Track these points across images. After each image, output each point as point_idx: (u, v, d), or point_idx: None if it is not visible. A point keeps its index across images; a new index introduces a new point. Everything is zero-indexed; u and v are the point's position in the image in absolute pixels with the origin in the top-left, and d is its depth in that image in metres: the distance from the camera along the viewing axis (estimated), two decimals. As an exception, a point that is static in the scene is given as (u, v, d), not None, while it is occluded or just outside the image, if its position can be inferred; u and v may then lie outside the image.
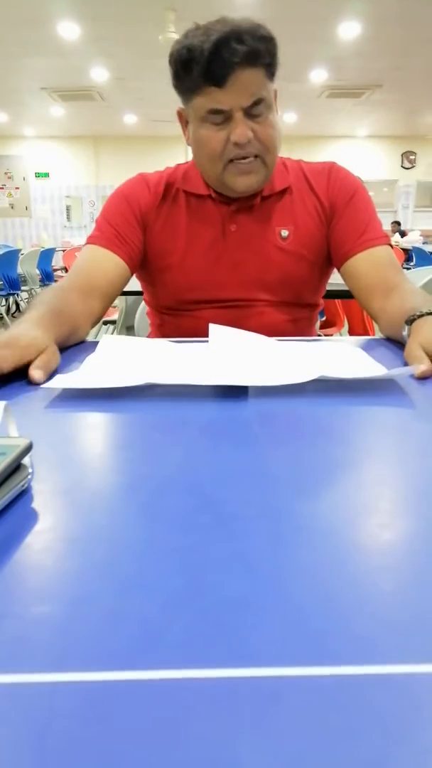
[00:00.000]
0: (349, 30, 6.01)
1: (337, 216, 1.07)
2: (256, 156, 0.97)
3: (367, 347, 0.85)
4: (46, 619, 0.26)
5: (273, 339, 0.84)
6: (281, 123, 1.01)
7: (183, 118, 1.03)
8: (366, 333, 2.65)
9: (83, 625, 0.26)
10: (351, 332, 2.93)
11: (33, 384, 0.64)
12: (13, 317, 6.46)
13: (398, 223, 9.55)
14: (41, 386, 0.62)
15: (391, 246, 1.09)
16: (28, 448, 0.39)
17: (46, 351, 0.70)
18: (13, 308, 6.85)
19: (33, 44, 6.32)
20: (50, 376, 0.67)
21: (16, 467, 0.37)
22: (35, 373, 0.65)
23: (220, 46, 0.87)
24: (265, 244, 1.06)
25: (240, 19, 0.91)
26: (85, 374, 0.68)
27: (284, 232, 1.07)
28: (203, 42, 0.88)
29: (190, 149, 1.06)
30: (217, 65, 0.89)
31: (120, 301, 2.48)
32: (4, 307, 6.34)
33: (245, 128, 0.94)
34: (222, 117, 0.94)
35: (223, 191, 1.04)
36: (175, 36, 5.39)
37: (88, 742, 0.20)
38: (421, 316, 0.78)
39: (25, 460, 0.39)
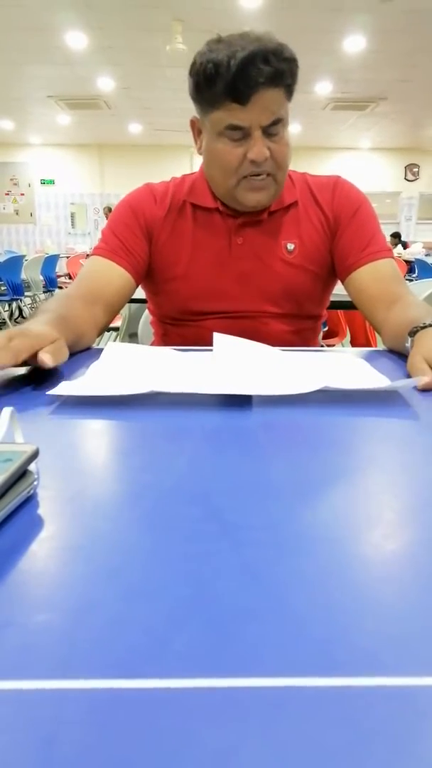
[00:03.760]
0: (355, 43, 6.06)
1: (341, 229, 1.07)
2: (268, 174, 0.99)
3: (369, 358, 0.85)
4: (51, 627, 0.26)
5: (277, 349, 0.84)
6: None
7: (196, 127, 1.04)
8: (368, 343, 2.66)
9: (88, 632, 0.26)
10: (353, 343, 2.93)
11: (41, 385, 0.64)
12: (17, 323, 6.47)
13: (398, 235, 9.55)
14: (46, 392, 0.62)
15: (394, 258, 1.09)
16: (35, 455, 0.39)
17: (57, 341, 0.70)
18: (17, 314, 6.86)
19: (40, 53, 6.38)
20: (56, 380, 0.67)
21: (22, 473, 0.37)
22: (44, 356, 0.65)
23: (246, 64, 0.88)
24: (271, 257, 1.07)
25: (262, 34, 0.92)
26: (90, 381, 0.68)
27: (290, 246, 1.07)
28: (229, 58, 0.89)
29: (195, 159, 1.08)
30: (242, 83, 0.90)
31: (123, 309, 2.48)
32: (7, 313, 6.36)
33: (263, 147, 0.95)
34: (241, 133, 0.95)
35: (232, 204, 1.05)
36: (182, 47, 5.45)
37: (93, 750, 0.20)
38: (423, 327, 0.78)
39: (31, 467, 0.39)
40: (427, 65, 6.63)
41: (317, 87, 7.57)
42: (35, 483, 0.39)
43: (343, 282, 1.11)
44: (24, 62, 6.67)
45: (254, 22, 5.24)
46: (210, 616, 0.27)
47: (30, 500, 0.38)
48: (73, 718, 0.21)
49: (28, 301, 6.81)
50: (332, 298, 1.22)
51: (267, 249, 1.07)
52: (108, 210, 10.04)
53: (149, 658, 0.24)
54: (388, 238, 9.17)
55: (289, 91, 0.96)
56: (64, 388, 0.63)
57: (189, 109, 1.02)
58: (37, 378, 0.68)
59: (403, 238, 9.60)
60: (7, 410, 0.41)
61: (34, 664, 0.24)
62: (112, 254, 1.05)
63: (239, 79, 0.90)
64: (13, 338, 0.66)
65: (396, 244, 8.99)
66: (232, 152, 0.97)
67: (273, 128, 0.95)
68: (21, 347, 0.65)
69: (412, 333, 0.79)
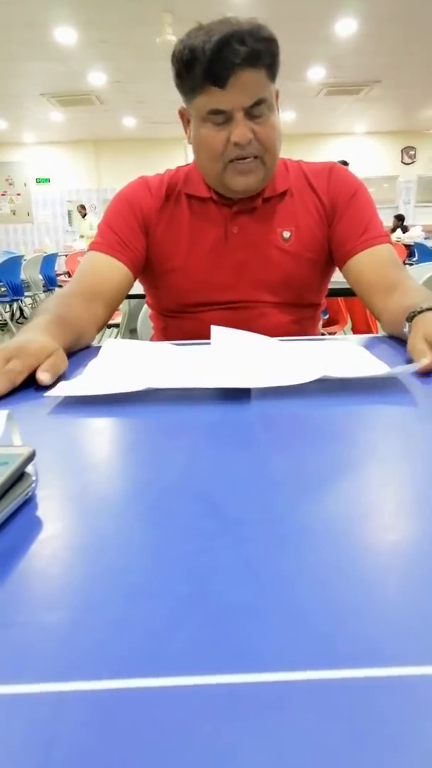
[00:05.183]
0: (346, 27, 6.01)
1: (338, 215, 1.07)
2: (255, 156, 0.98)
3: (369, 345, 0.84)
4: (51, 628, 0.26)
5: (275, 339, 0.84)
6: (281, 124, 1.01)
7: (185, 117, 1.04)
8: (369, 330, 2.65)
9: (89, 632, 0.26)
10: (354, 330, 2.92)
11: (40, 386, 0.64)
12: (18, 323, 6.47)
13: (402, 218, 9.45)
14: (44, 394, 0.62)
15: (392, 243, 1.08)
16: (31, 457, 0.39)
17: (54, 355, 0.70)
18: (18, 314, 6.86)
19: (31, 50, 6.34)
20: (56, 381, 0.67)
21: (19, 476, 0.37)
22: (42, 375, 0.65)
23: (221, 46, 0.88)
24: (267, 245, 1.07)
25: (243, 19, 0.91)
26: (88, 380, 0.68)
27: (286, 234, 1.07)
28: (205, 42, 0.88)
29: (190, 150, 1.06)
30: (218, 66, 0.89)
31: (123, 305, 2.49)
32: (8, 314, 6.36)
33: (245, 129, 0.94)
34: (223, 117, 0.95)
35: (222, 191, 1.04)
36: (173, 38, 5.41)
37: (94, 751, 0.20)
38: (421, 311, 0.78)
39: (29, 469, 0.39)
40: (420, 47, 6.57)
41: (309, 73, 7.51)
42: (33, 485, 0.39)
43: (340, 269, 1.10)
44: (14, 60, 6.64)
45: (244, 10, 5.20)
46: (212, 612, 0.27)
47: (29, 502, 0.38)
48: (73, 719, 0.21)
49: (28, 301, 6.80)
50: (332, 286, 1.21)
51: (263, 237, 1.06)
52: (82, 208, 10.00)
53: (151, 657, 0.24)
54: (391, 221, 9.10)
55: (271, 72, 0.95)
56: (62, 389, 0.63)
57: (182, 100, 1.02)
58: (35, 378, 0.68)
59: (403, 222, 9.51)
60: (3, 413, 0.41)
61: (36, 665, 0.24)
62: (110, 249, 1.05)
63: (215, 62, 0.89)
64: (9, 359, 0.66)
65: (398, 226, 8.91)
66: (216, 136, 0.96)
67: (256, 109, 0.94)
68: (18, 370, 0.65)
69: (410, 318, 0.78)
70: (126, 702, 0.22)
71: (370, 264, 1.04)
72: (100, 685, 0.23)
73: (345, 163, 6.52)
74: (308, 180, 1.09)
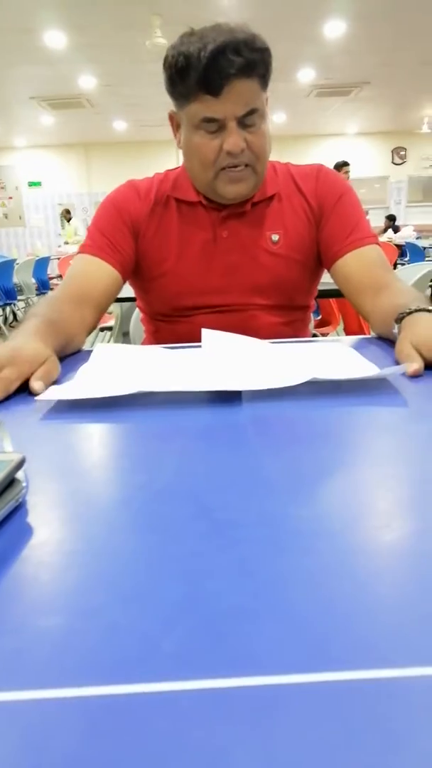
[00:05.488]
0: (335, 28, 6.02)
1: (326, 217, 1.07)
2: (247, 165, 0.98)
3: (359, 346, 0.85)
4: (44, 634, 0.26)
5: (266, 342, 0.84)
6: (271, 125, 1.01)
7: (174, 122, 1.04)
8: (361, 331, 2.65)
9: (82, 638, 0.26)
10: (346, 331, 2.93)
11: (33, 395, 0.64)
12: (11, 327, 6.45)
13: (393, 218, 9.46)
14: (35, 399, 0.62)
15: (378, 244, 1.09)
16: (21, 463, 0.39)
17: (47, 362, 0.70)
18: (11, 318, 6.84)
19: (20, 54, 6.33)
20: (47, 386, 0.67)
21: (9, 482, 0.37)
22: (36, 384, 0.66)
23: (217, 56, 0.88)
24: (257, 249, 1.07)
25: (234, 25, 0.91)
26: (79, 385, 0.68)
27: (275, 237, 1.07)
28: (200, 50, 0.88)
29: (181, 153, 1.06)
30: (213, 75, 0.89)
31: (116, 308, 2.48)
32: (1, 318, 6.34)
33: (239, 138, 0.94)
34: (216, 125, 0.95)
35: (212, 197, 1.04)
36: (162, 41, 5.41)
37: (88, 757, 0.20)
38: (410, 313, 0.78)
39: (19, 475, 0.39)
40: (409, 48, 6.59)
41: (299, 74, 7.52)
42: (24, 491, 0.39)
43: (329, 270, 1.10)
44: (4, 64, 6.62)
45: (232, 13, 5.21)
46: (206, 616, 0.27)
47: (19, 508, 0.38)
48: (67, 726, 0.21)
49: (21, 305, 6.77)
50: (325, 287, 1.22)
51: (252, 241, 1.07)
52: (67, 212, 9.92)
53: (144, 662, 0.24)
54: (382, 221, 9.13)
55: (264, 81, 0.95)
56: (52, 393, 0.63)
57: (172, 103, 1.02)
58: (26, 383, 0.68)
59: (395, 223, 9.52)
60: (-7, 419, 0.41)
61: (28, 671, 0.24)
62: (99, 251, 1.05)
63: (211, 71, 0.89)
64: (3, 366, 0.66)
65: (390, 227, 8.94)
66: (209, 145, 0.96)
67: (248, 119, 0.95)
68: (12, 378, 0.66)
69: (399, 319, 0.79)
70: (120, 708, 0.22)
71: (358, 265, 1.04)
72: (93, 692, 0.23)
73: (346, 164, 6.46)
74: (296, 183, 1.09)
